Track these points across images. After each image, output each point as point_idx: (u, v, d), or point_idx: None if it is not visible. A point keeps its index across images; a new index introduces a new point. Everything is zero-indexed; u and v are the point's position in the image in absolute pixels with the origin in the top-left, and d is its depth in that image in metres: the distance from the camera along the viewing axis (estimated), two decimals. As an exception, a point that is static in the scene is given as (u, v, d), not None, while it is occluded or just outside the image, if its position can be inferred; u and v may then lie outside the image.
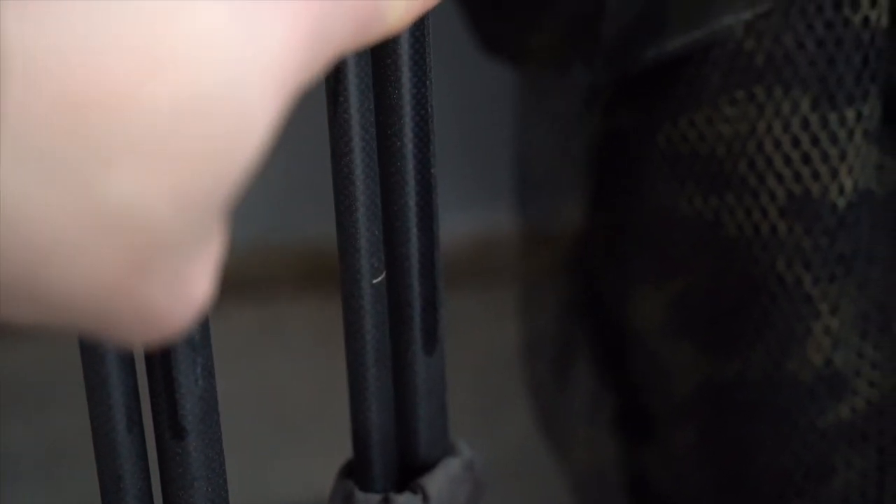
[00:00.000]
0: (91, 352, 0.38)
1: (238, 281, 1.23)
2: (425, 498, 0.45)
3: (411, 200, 0.44)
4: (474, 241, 1.21)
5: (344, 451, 0.48)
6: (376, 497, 0.45)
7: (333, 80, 0.41)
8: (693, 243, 0.64)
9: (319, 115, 0.44)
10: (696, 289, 0.65)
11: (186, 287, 0.23)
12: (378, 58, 0.42)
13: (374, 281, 0.43)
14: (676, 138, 0.62)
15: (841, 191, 0.59)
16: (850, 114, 0.58)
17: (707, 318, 0.65)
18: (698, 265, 0.64)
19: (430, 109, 0.43)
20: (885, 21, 0.58)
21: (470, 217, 1.19)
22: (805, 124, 0.59)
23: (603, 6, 0.60)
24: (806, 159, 0.59)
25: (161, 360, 0.39)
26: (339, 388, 0.77)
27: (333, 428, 0.76)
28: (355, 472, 0.46)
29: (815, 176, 0.59)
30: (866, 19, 0.57)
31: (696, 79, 0.61)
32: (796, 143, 0.59)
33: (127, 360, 0.39)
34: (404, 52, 0.42)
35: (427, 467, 0.46)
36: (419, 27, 0.42)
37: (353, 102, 0.41)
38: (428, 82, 0.43)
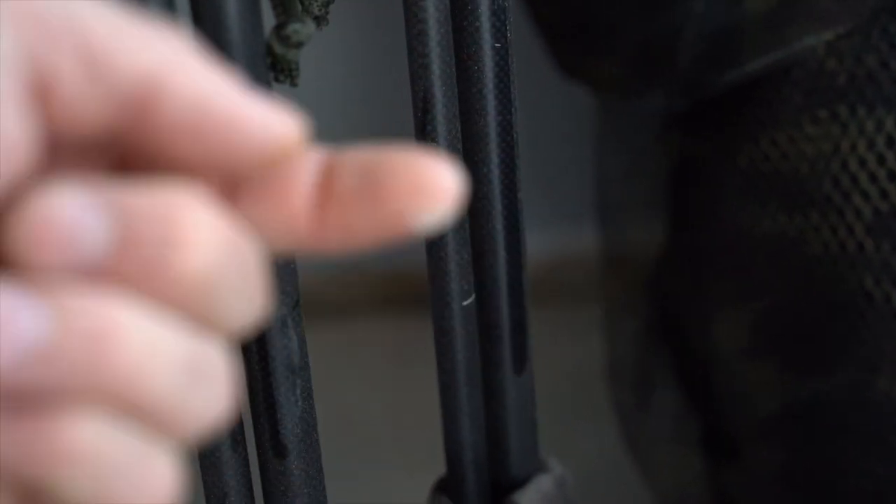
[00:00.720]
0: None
1: (318, 304, 1.25)
2: (517, 514, 0.46)
3: (499, 224, 0.45)
4: (554, 262, 1.22)
5: (433, 468, 0.49)
6: (470, 513, 0.46)
7: (421, 111, 0.42)
8: (777, 262, 0.64)
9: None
10: (781, 308, 0.65)
11: None
12: (464, 87, 0.43)
13: (464, 303, 0.45)
14: (758, 158, 0.63)
15: None
16: None
17: (792, 337, 0.65)
18: (782, 284, 0.65)
19: (515, 136, 0.44)
20: None
21: (550, 238, 1.20)
22: (890, 142, 0.59)
23: (679, 31, 0.61)
24: (892, 176, 0.59)
25: (262, 383, 0.41)
26: (422, 408, 0.78)
27: (422, 446, 0.78)
28: (449, 488, 0.47)
29: None
30: None
31: (777, 99, 0.61)
32: (882, 160, 0.59)
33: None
34: (489, 80, 0.43)
35: (519, 484, 0.47)
36: (503, 56, 0.43)
37: (441, 132, 0.43)
38: (513, 109, 0.44)
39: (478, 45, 0.43)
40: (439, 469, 0.48)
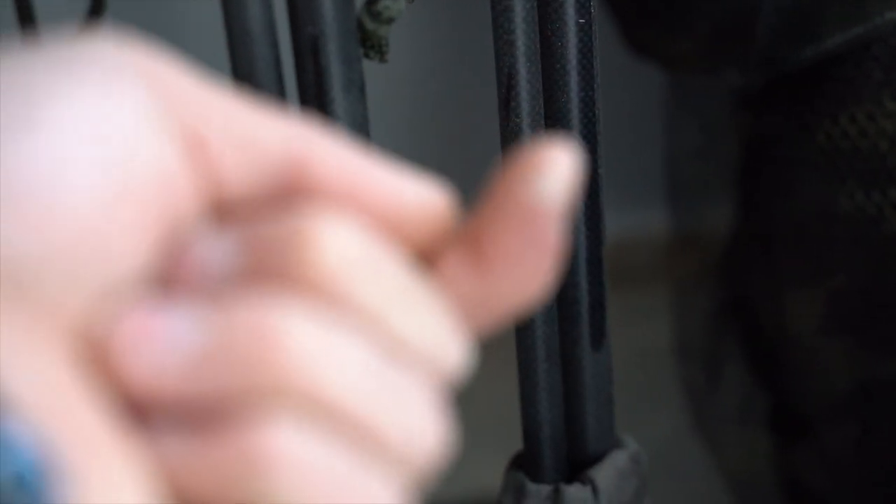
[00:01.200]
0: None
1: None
2: (594, 490, 0.46)
3: (580, 201, 0.45)
4: (627, 241, 1.21)
5: (509, 445, 0.50)
6: (547, 488, 0.46)
7: (506, 87, 0.43)
8: (853, 240, 0.64)
9: (491, 122, 0.46)
10: (857, 286, 0.65)
11: None
12: (547, 63, 0.43)
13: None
14: (837, 135, 0.62)
15: None
16: None
17: (868, 315, 0.65)
18: (859, 262, 0.64)
19: (597, 112, 0.44)
20: None
21: (622, 217, 1.19)
22: None
23: (757, 7, 0.61)
24: None
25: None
26: (499, 385, 0.78)
27: (499, 423, 0.78)
28: (525, 464, 0.47)
29: None
30: None
31: (856, 75, 0.61)
32: None
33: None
34: (573, 56, 0.43)
35: (595, 460, 0.47)
36: (587, 32, 0.43)
37: (525, 107, 0.43)
38: (596, 86, 0.44)
39: (562, 21, 0.43)
40: (515, 446, 0.48)
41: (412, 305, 0.22)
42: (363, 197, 0.23)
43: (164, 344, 0.20)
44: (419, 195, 0.24)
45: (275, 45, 0.37)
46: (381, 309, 0.22)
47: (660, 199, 0.93)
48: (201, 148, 0.22)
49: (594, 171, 0.45)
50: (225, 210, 0.23)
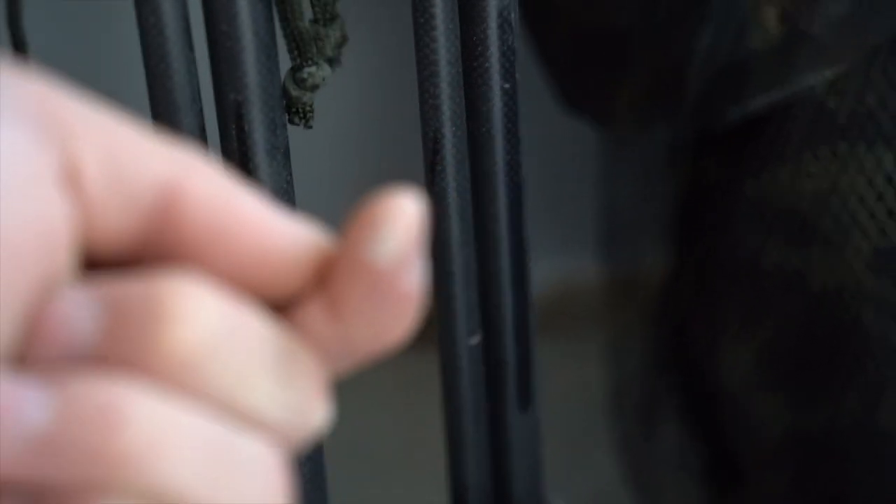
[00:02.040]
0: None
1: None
2: (521, 551, 0.46)
3: (505, 263, 0.45)
4: (559, 289, 1.22)
5: (435, 500, 0.50)
6: (474, 550, 0.46)
7: (431, 151, 0.43)
8: (779, 294, 0.65)
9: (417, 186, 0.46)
10: (786, 339, 0.66)
11: None
12: (473, 127, 0.44)
13: (471, 342, 0.45)
14: (761, 192, 0.63)
15: None
16: None
17: (796, 367, 0.66)
18: (787, 316, 0.65)
19: (522, 176, 0.45)
20: None
21: (554, 266, 1.20)
22: (889, 180, 0.60)
23: (685, 67, 0.62)
24: (891, 214, 0.60)
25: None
26: (427, 444, 0.78)
27: (427, 482, 0.78)
28: (453, 525, 0.47)
29: None
30: None
31: (779, 135, 0.62)
32: (881, 197, 0.60)
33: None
34: (498, 120, 0.44)
35: (522, 521, 0.47)
36: (511, 96, 0.44)
37: (450, 171, 0.43)
38: (520, 148, 0.45)
39: (487, 86, 0.43)
40: (444, 505, 0.48)
41: (268, 376, 0.23)
42: (231, 231, 0.23)
43: (9, 424, 0.20)
44: (289, 231, 0.24)
45: (199, 111, 0.37)
46: (234, 386, 0.22)
47: (594, 248, 0.93)
48: (77, 183, 0.22)
49: (520, 234, 0.45)
50: (96, 250, 0.23)
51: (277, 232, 0.24)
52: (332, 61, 0.40)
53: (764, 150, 0.63)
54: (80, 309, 0.22)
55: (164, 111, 0.36)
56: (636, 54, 0.63)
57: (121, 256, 0.24)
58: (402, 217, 0.23)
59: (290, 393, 0.23)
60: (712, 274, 0.70)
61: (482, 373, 0.46)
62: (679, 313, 0.75)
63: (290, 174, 0.39)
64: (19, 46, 0.40)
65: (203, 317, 0.22)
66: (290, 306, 0.24)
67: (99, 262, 0.24)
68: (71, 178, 0.22)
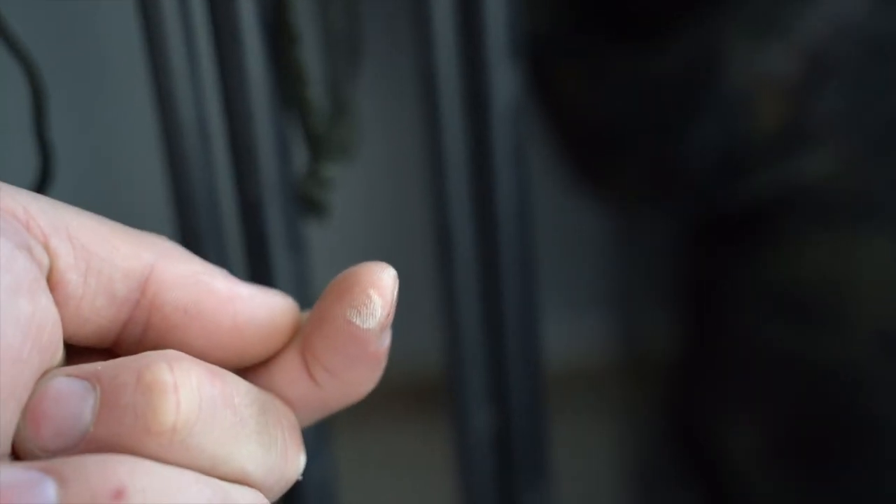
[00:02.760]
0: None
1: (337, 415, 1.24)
2: None
3: (517, 345, 0.46)
4: (569, 370, 1.23)
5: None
6: None
7: (442, 242, 0.44)
8: (784, 374, 0.65)
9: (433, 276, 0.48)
10: (789, 418, 0.66)
11: None
12: (485, 213, 0.45)
13: (484, 426, 0.46)
14: (768, 274, 0.64)
15: None
16: None
17: (800, 445, 0.66)
18: (790, 395, 0.66)
19: (536, 262, 0.46)
20: None
21: (563, 347, 1.21)
22: (894, 262, 0.60)
23: (690, 150, 0.63)
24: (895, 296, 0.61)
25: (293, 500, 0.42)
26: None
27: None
28: None
29: None
30: None
31: (784, 217, 0.63)
32: (884, 280, 0.61)
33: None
34: (509, 208, 0.45)
35: None
36: (521, 185, 0.45)
37: (461, 262, 0.45)
38: (532, 235, 0.46)
39: (497, 176, 0.45)
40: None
41: (251, 437, 0.25)
42: (205, 306, 0.26)
43: None
44: (262, 301, 0.26)
45: (217, 209, 0.38)
46: (222, 449, 0.24)
47: (605, 328, 0.94)
48: (58, 283, 0.24)
49: (532, 316, 0.46)
50: (80, 337, 0.25)
51: (250, 303, 0.26)
52: (347, 158, 0.41)
53: (767, 233, 0.64)
54: (73, 392, 0.24)
55: (184, 210, 0.38)
56: (636, 143, 0.65)
57: (102, 342, 0.26)
58: (385, 287, 0.25)
59: (272, 451, 0.25)
60: (720, 352, 0.70)
61: (494, 451, 0.47)
62: (689, 390, 0.75)
63: (309, 268, 0.40)
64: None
65: (189, 388, 0.24)
66: (269, 365, 0.27)
67: (82, 349, 0.26)
68: (52, 279, 0.24)
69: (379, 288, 0.25)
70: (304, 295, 0.40)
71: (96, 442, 0.23)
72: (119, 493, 0.22)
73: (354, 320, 0.25)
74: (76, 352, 0.26)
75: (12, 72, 0.33)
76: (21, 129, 0.36)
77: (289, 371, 0.26)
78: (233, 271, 0.39)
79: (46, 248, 0.24)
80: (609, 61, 0.64)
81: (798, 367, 0.65)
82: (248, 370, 0.27)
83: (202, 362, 0.24)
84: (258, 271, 0.39)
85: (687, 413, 0.76)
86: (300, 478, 0.26)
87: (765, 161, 0.62)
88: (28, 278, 0.23)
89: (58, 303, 0.24)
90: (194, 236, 0.38)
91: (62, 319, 0.25)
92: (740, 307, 0.67)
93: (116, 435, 0.23)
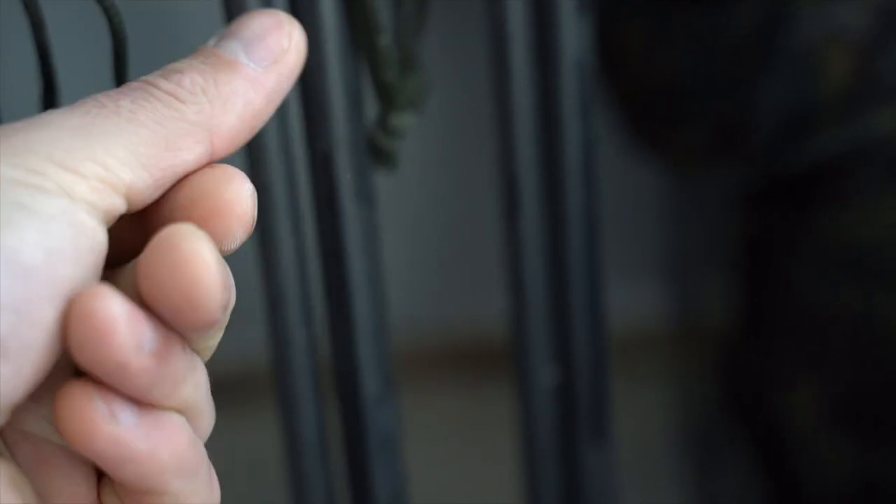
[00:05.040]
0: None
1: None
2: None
3: (581, 300, 0.46)
4: (626, 335, 1.22)
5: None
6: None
7: (509, 194, 0.44)
8: (852, 337, 0.65)
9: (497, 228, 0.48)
10: (852, 381, 0.66)
11: None
12: (551, 171, 0.45)
13: (547, 379, 0.46)
14: (834, 234, 0.64)
15: None
16: None
17: (863, 409, 0.66)
18: (852, 359, 0.65)
19: (599, 219, 0.46)
20: None
21: (619, 312, 1.21)
22: None
23: (756, 108, 0.62)
24: None
25: (357, 456, 0.42)
26: (500, 477, 0.78)
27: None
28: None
29: None
30: None
31: (851, 176, 0.62)
32: None
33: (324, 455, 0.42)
34: (575, 165, 0.45)
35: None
36: (588, 143, 0.45)
37: (527, 212, 0.44)
38: (598, 192, 0.46)
39: (564, 133, 0.44)
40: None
41: None
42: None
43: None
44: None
45: (289, 159, 0.38)
46: None
47: (661, 292, 0.94)
48: (116, 186, 0.26)
49: (596, 273, 0.46)
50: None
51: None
52: (417, 108, 0.41)
53: (837, 190, 0.64)
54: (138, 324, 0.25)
55: (256, 160, 0.38)
56: (701, 102, 0.64)
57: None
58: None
59: None
60: (780, 316, 0.70)
61: (557, 409, 0.47)
62: (747, 354, 0.75)
63: (377, 218, 0.40)
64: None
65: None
66: None
67: None
68: (111, 185, 0.26)
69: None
70: (373, 245, 0.40)
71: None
72: None
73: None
74: None
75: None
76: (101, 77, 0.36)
77: None
78: (302, 222, 0.39)
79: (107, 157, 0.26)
80: (675, 20, 0.63)
81: (862, 329, 0.64)
82: None
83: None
84: (328, 222, 0.39)
85: (745, 379, 0.76)
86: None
87: (833, 119, 0.61)
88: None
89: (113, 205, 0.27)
90: (265, 187, 0.38)
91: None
92: (802, 269, 0.66)
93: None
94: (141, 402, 0.25)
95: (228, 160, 0.29)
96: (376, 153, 0.40)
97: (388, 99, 0.39)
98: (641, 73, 0.66)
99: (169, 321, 0.25)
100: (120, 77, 0.33)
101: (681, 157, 0.70)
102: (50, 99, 0.34)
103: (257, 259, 0.40)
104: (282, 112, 0.38)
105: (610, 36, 0.66)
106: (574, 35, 0.43)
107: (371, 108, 0.40)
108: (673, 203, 0.87)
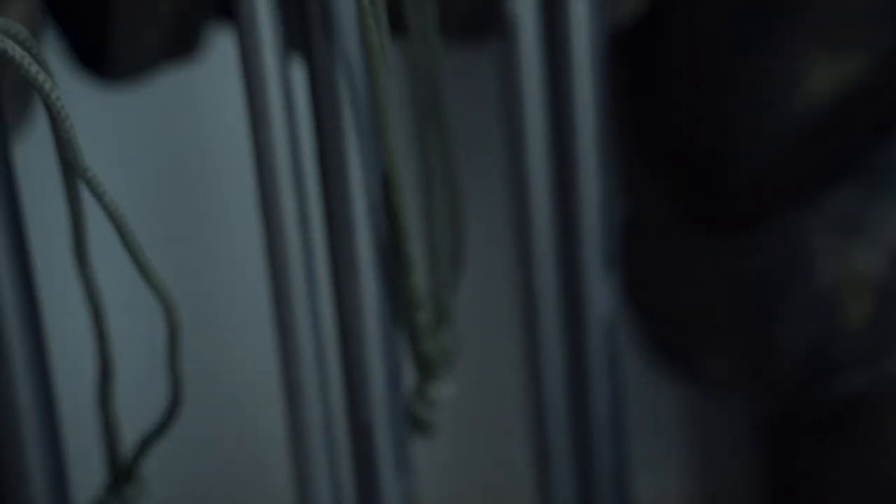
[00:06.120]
0: None
1: None
2: None
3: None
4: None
5: None
6: None
7: (538, 436, 0.44)
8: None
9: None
10: None
11: None
12: (580, 432, 0.45)
13: None
14: (853, 471, 0.64)
15: None
16: None
17: None
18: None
19: (630, 466, 0.46)
20: None
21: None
22: None
23: (779, 339, 0.63)
24: None
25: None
26: None
27: None
28: None
29: None
30: None
31: (873, 415, 0.62)
32: None
33: None
34: (602, 406, 0.45)
35: None
36: (618, 388, 0.45)
37: (559, 469, 0.45)
38: (626, 454, 0.46)
39: (593, 390, 0.45)
40: None
41: None
42: None
43: None
44: None
45: (331, 431, 0.39)
46: None
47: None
48: None
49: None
50: None
51: None
52: (449, 368, 0.42)
53: (856, 430, 0.63)
54: None
55: (298, 437, 0.38)
56: (722, 334, 0.65)
57: None
58: None
59: None
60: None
61: None
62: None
63: (415, 489, 0.40)
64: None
65: None
66: None
67: None
68: None
69: None
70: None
71: None
72: None
73: None
74: None
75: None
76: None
77: None
78: (342, 492, 0.39)
79: None
80: (699, 253, 0.65)
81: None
82: None
83: None
84: (366, 493, 0.39)
85: None
86: None
87: (855, 358, 0.62)
88: None
89: None
90: (306, 458, 0.38)
91: None
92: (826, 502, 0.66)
93: None
94: None
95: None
96: (414, 422, 0.40)
97: (425, 368, 0.40)
98: (666, 301, 0.67)
99: None
100: (173, 366, 0.34)
101: (707, 384, 0.71)
102: (106, 383, 0.34)
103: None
104: (324, 382, 0.38)
105: (635, 261, 0.67)
106: (602, 294, 0.44)
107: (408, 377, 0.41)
108: (697, 429, 0.87)
